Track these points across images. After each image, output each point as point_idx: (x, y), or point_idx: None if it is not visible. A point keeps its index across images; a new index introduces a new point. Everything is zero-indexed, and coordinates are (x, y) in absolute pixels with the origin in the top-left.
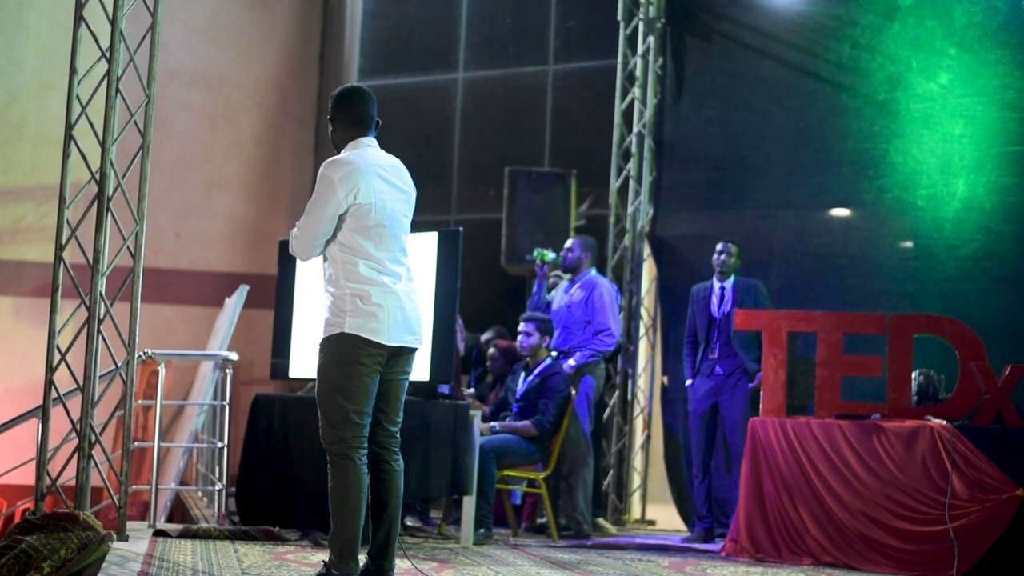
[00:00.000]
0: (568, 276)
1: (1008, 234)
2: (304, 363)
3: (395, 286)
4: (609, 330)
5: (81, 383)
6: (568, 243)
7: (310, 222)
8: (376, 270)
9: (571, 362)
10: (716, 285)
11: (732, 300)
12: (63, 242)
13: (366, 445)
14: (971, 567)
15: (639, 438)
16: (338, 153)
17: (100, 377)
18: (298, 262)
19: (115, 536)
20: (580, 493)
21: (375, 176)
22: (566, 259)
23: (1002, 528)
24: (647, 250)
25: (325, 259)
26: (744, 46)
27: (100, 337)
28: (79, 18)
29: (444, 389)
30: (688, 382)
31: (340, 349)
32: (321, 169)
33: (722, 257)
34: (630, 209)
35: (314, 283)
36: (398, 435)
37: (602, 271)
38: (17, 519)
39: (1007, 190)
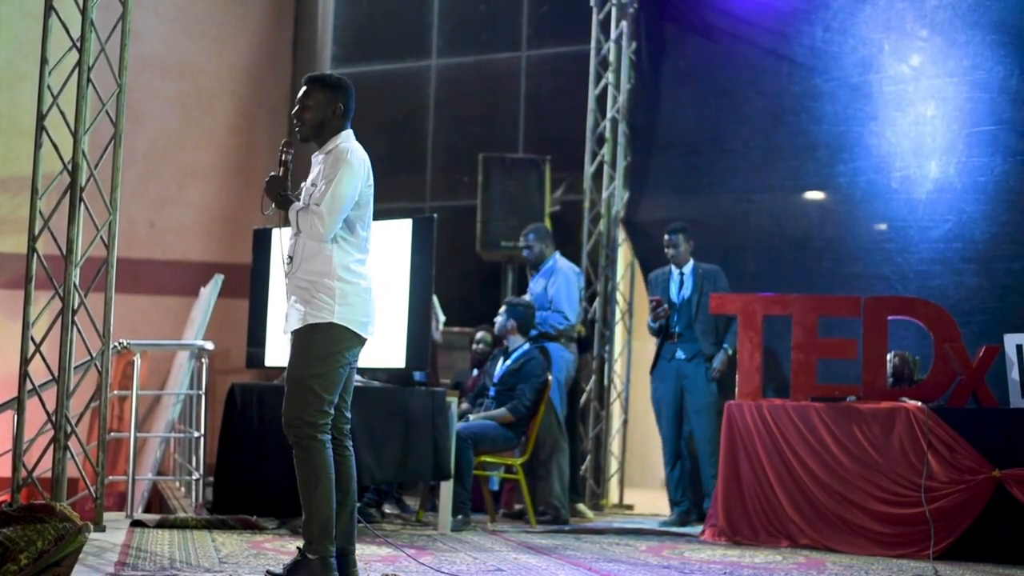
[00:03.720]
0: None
1: (979, 214)
2: (279, 352)
3: (370, 279)
4: (563, 312)
5: (56, 374)
6: (522, 241)
7: (339, 196)
8: (362, 261)
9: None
10: (675, 271)
11: (692, 285)
12: (36, 233)
13: (330, 432)
14: (948, 547)
15: (616, 423)
16: (316, 137)
17: (75, 368)
18: (273, 251)
19: (92, 527)
20: (556, 479)
21: (370, 170)
22: (529, 256)
23: (979, 509)
24: (622, 235)
25: (306, 245)
26: (718, 30)
27: (75, 328)
28: (49, 8)
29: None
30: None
31: (327, 339)
32: (338, 153)
33: (670, 251)
34: (605, 194)
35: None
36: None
37: (577, 256)
38: None
39: (977, 170)
